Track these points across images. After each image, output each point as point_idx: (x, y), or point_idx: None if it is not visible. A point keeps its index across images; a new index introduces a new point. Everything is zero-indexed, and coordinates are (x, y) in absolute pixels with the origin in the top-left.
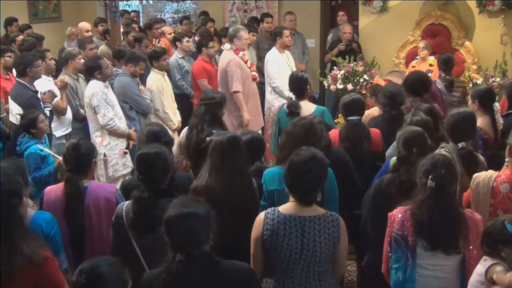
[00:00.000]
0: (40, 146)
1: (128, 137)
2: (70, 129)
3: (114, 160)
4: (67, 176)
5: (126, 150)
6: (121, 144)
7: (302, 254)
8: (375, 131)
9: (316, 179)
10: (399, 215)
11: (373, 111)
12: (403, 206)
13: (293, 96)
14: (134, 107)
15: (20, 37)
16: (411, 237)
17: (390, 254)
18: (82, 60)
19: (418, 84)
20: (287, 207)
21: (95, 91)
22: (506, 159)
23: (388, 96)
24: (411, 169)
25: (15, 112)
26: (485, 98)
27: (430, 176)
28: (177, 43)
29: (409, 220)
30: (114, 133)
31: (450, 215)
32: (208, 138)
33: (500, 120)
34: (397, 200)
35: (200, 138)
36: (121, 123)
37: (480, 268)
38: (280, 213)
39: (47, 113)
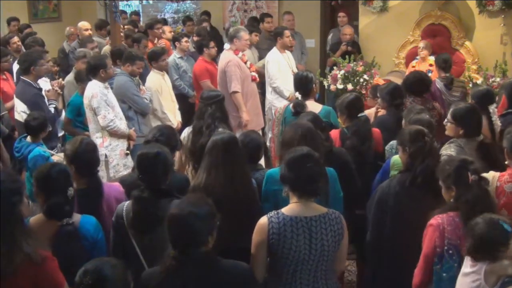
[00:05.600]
0: (41, 148)
1: (128, 138)
2: (63, 132)
3: (115, 161)
4: (92, 177)
5: (128, 151)
6: (122, 144)
7: (310, 255)
8: (376, 131)
9: (316, 169)
10: (449, 225)
11: (373, 111)
12: (439, 215)
13: (298, 96)
14: (132, 106)
15: (16, 39)
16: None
17: (438, 266)
18: None
19: (418, 84)
20: (290, 209)
21: (94, 93)
22: (506, 162)
23: (392, 93)
24: (428, 161)
25: (20, 109)
26: (482, 99)
27: (468, 172)
28: (176, 43)
29: (460, 226)
30: (114, 134)
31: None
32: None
33: (498, 123)
34: (410, 199)
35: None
36: (122, 124)
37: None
38: (285, 215)
39: (52, 110)
